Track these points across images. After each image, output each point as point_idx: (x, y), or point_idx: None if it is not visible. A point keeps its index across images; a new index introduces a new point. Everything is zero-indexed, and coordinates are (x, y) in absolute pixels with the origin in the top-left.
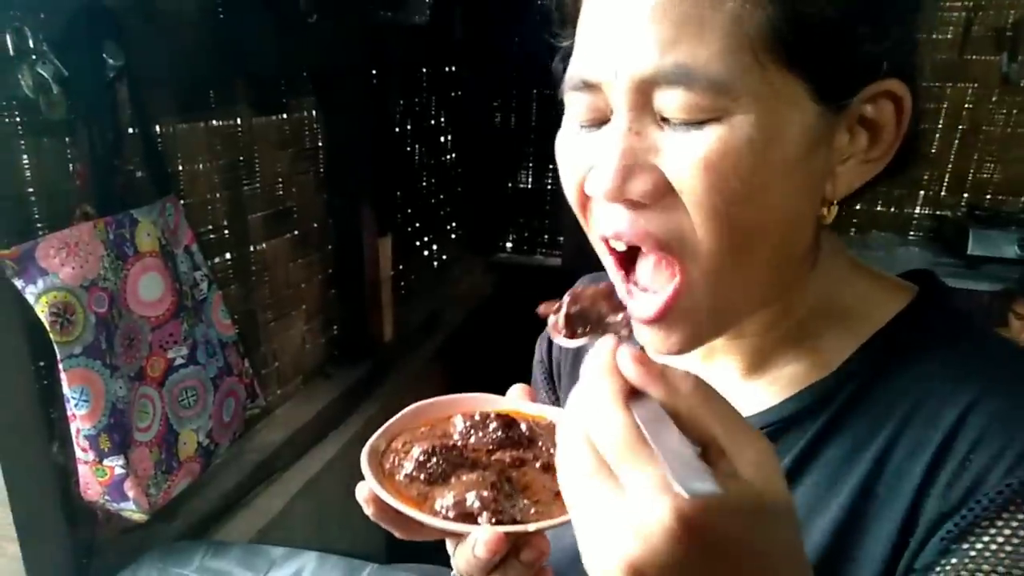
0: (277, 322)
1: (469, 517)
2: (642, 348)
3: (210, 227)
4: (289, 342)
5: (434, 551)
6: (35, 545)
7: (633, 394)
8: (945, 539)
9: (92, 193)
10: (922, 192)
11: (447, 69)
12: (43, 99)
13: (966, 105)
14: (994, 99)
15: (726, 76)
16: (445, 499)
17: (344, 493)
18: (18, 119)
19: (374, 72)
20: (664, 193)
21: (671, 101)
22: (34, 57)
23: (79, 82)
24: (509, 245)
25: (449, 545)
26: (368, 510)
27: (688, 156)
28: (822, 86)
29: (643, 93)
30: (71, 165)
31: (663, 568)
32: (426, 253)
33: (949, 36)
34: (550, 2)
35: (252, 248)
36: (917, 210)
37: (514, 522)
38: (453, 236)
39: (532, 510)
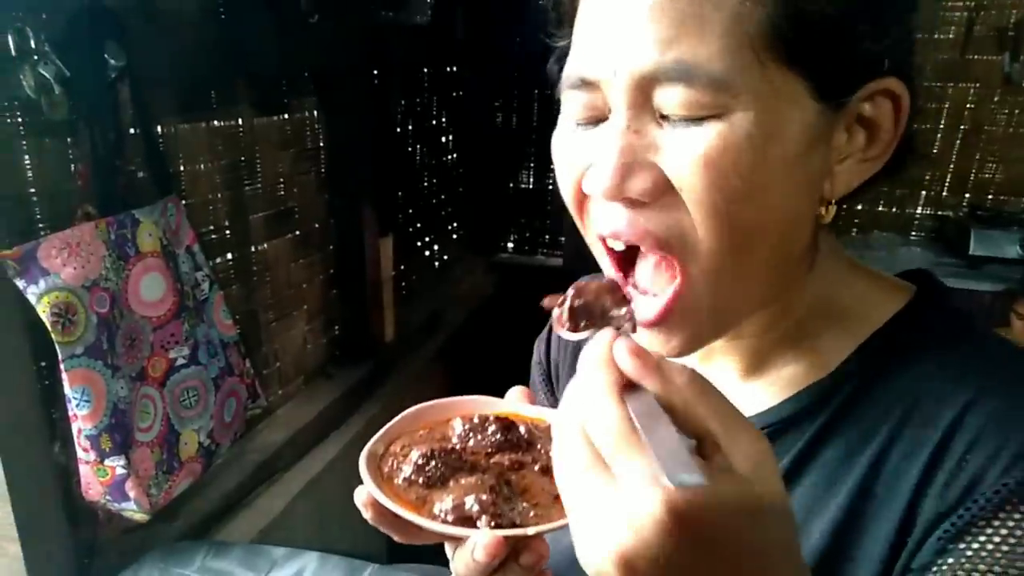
0: (278, 322)
1: (468, 521)
2: None
3: (212, 227)
4: (290, 342)
5: (435, 552)
6: (36, 545)
7: (630, 387)
8: (942, 539)
9: (94, 193)
10: (924, 192)
11: (448, 69)
12: (45, 99)
13: (968, 105)
14: (996, 99)
15: (727, 73)
16: (444, 503)
17: (345, 493)
18: (20, 119)
19: (375, 72)
20: (664, 191)
21: (671, 98)
22: (36, 57)
23: (81, 82)
24: (510, 245)
25: (448, 549)
26: (367, 514)
27: (688, 153)
28: (822, 84)
29: (643, 90)
30: (73, 165)
31: (654, 561)
32: (427, 253)
33: (951, 36)
34: (546, 2)
35: (253, 248)
36: (919, 210)
37: (513, 525)
38: (454, 236)
39: (531, 513)
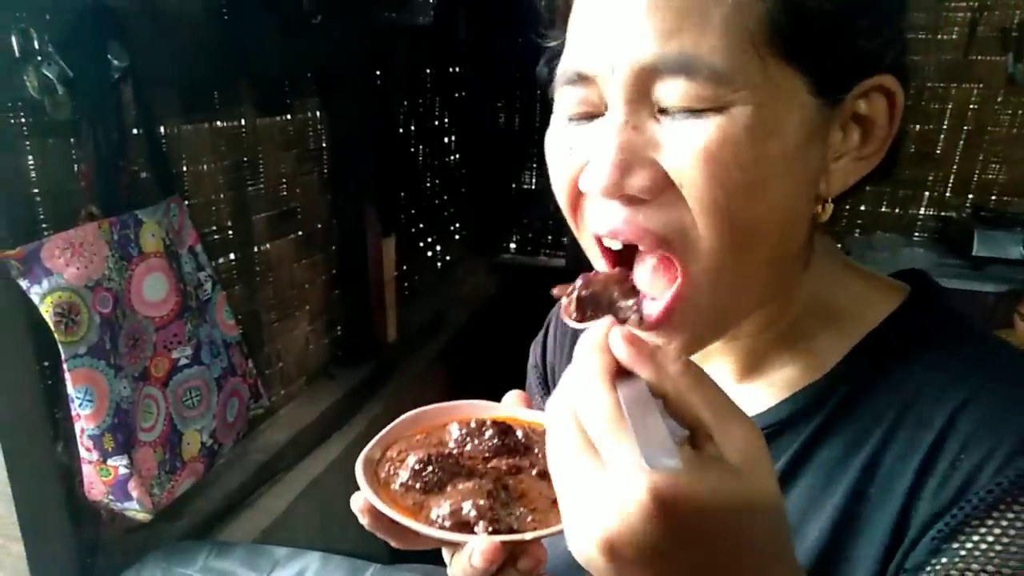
0: (281, 322)
1: (465, 526)
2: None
3: (214, 227)
4: (293, 342)
5: (438, 552)
6: (39, 544)
7: (624, 374)
8: (936, 539)
9: (97, 194)
10: (927, 193)
11: (451, 70)
12: (48, 100)
13: (971, 106)
14: (999, 100)
15: (727, 67)
16: (441, 508)
17: (348, 494)
18: (23, 120)
19: (378, 73)
20: (663, 188)
21: (672, 91)
22: (39, 58)
23: (84, 83)
24: (513, 246)
25: (446, 554)
26: (363, 520)
27: (688, 147)
28: (820, 79)
29: (642, 84)
30: (76, 166)
31: (639, 547)
32: (430, 254)
33: (954, 36)
34: (540, 1)
35: (256, 248)
36: (922, 211)
37: (511, 530)
38: (457, 237)
39: (529, 518)
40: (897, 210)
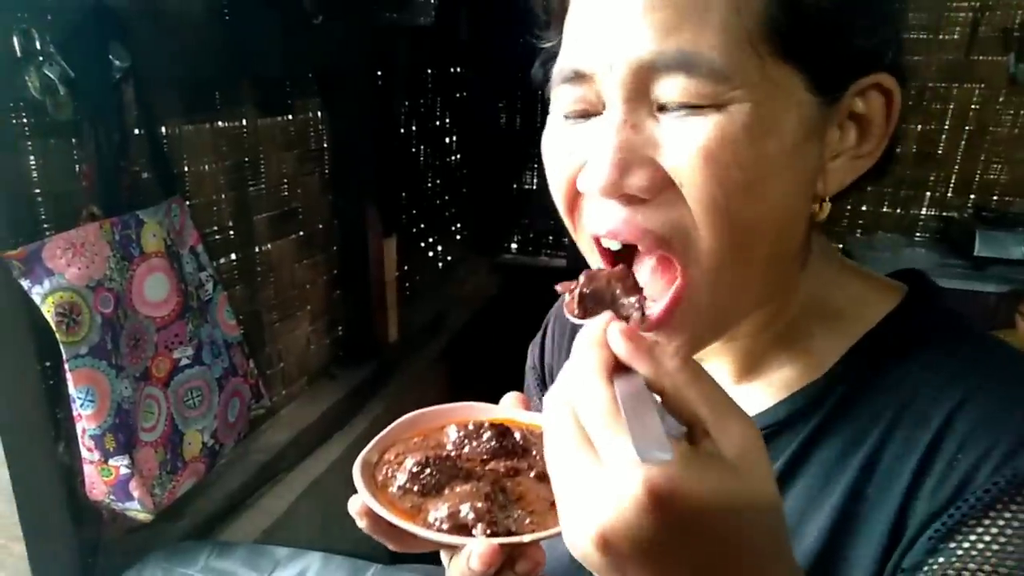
0: (282, 323)
1: (463, 529)
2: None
3: (215, 228)
4: (294, 343)
5: (438, 553)
6: (41, 544)
7: (622, 369)
8: (933, 538)
9: (98, 194)
10: (928, 193)
11: (452, 70)
12: (50, 100)
13: (973, 106)
14: (1001, 100)
15: (726, 64)
16: (439, 511)
17: (349, 494)
18: (25, 120)
19: (379, 73)
20: (662, 188)
21: (671, 88)
22: (41, 59)
23: (85, 83)
24: (514, 246)
25: (444, 557)
26: (361, 523)
27: (687, 146)
28: (817, 77)
29: (640, 81)
30: (77, 166)
31: (634, 541)
32: (431, 254)
33: (956, 36)
34: (536, 1)
35: (257, 249)
36: (923, 211)
37: (509, 533)
38: (458, 237)
39: (527, 520)
40: (899, 210)
